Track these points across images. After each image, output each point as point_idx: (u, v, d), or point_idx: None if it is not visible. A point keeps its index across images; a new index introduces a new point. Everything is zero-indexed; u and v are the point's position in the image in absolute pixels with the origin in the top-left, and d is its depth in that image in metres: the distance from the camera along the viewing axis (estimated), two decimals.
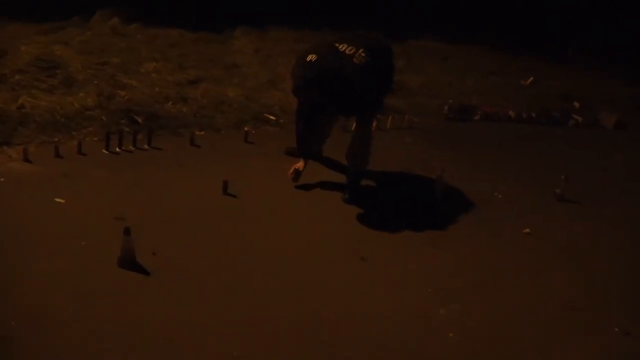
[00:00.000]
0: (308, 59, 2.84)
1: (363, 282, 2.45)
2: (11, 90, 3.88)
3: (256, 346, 1.96)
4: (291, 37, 7.16)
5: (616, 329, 2.30)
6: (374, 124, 4.32)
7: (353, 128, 3.54)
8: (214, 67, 5.41)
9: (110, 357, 1.82)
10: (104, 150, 3.35)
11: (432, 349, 2.09)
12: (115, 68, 4.73)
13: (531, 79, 6.81)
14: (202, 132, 3.89)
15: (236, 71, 5.47)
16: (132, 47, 5.62)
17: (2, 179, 2.86)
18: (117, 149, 3.39)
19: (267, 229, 2.77)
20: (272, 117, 4.36)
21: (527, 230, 3.13)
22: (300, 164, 3.28)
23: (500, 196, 3.56)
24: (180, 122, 3.92)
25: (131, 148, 3.44)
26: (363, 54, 2.90)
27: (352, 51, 2.90)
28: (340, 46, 2.94)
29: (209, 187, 3.06)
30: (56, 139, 3.37)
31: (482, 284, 2.56)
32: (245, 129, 3.92)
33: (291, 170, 3.24)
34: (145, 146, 3.50)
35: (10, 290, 2.06)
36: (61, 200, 2.73)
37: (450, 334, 2.16)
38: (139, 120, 3.75)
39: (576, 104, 6.17)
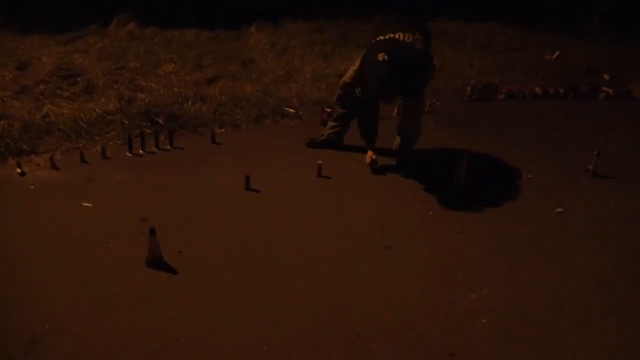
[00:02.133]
0: (380, 58, 2.82)
1: (389, 270, 2.41)
2: (35, 101, 3.97)
3: (285, 339, 1.95)
4: (306, 29, 7.13)
5: None
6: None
7: (395, 113, 3.74)
8: (231, 64, 5.43)
9: (142, 356, 1.84)
10: (127, 153, 3.39)
11: (464, 335, 2.04)
12: (134, 72, 4.78)
13: (557, 53, 6.59)
14: (222, 130, 3.91)
15: (253, 67, 5.47)
16: (150, 50, 5.68)
17: (32, 187, 2.93)
18: (140, 151, 3.43)
19: (291, 222, 2.76)
20: (291, 110, 4.34)
21: (560, 209, 3.02)
22: (370, 153, 3.41)
23: (530, 176, 3.45)
24: (200, 120, 3.94)
25: (154, 149, 3.48)
26: (420, 37, 2.94)
27: (411, 38, 2.93)
28: (397, 35, 2.93)
29: (232, 183, 3.06)
30: (81, 145, 3.43)
31: (512, 267, 2.49)
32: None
33: (369, 161, 3.37)
34: (168, 147, 3.53)
35: (42, 293, 2.10)
36: (88, 205, 2.77)
37: (484, 320, 2.11)
38: (160, 121, 3.78)
39: (605, 76, 5.95)
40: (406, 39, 2.92)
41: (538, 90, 5.25)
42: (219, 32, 6.79)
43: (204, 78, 4.85)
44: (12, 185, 2.92)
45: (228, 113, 4.13)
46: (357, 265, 2.43)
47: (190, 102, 4.18)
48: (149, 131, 3.62)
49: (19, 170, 3.04)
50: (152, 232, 2.25)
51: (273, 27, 7.20)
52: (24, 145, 3.30)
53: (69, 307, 2.04)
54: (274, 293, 2.21)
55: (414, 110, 3.28)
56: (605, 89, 5.43)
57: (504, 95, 5.13)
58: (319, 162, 3.25)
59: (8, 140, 3.28)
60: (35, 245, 2.41)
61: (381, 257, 2.50)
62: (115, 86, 4.31)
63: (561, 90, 5.31)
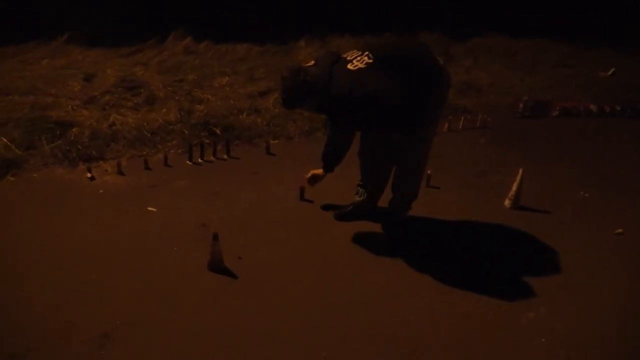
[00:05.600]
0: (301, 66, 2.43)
1: (447, 286, 2.40)
2: (102, 110, 4.22)
3: (343, 347, 1.99)
4: (353, 43, 7.23)
5: None
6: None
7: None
8: None
9: (204, 355, 1.92)
10: (187, 162, 3.55)
11: (522, 354, 2.01)
12: (192, 84, 5.00)
13: (612, 69, 6.41)
14: (276, 141, 4.02)
15: None
16: (205, 64, 5.92)
17: (100, 191, 3.12)
18: (199, 160, 3.58)
19: (346, 233, 2.80)
20: None
21: (620, 230, 2.94)
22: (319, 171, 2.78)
23: (587, 195, 3.37)
24: (255, 132, 4.07)
25: (212, 158, 3.63)
26: (366, 58, 2.34)
27: (354, 56, 2.39)
28: (347, 54, 2.44)
29: (287, 194, 3.15)
30: (144, 153, 3.63)
31: (570, 287, 2.43)
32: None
33: (309, 175, 2.77)
34: (225, 156, 3.67)
35: (112, 291, 2.23)
36: (153, 209, 2.92)
37: (543, 340, 2.08)
38: (217, 132, 3.94)
39: None
40: (348, 57, 2.38)
41: (593, 107, 5.12)
42: (269, 46, 7.00)
43: (257, 91, 5.01)
44: (83, 189, 3.12)
45: (281, 125, 4.25)
46: (412, 279, 2.45)
47: (245, 113, 4.33)
48: (207, 141, 3.79)
49: (89, 174, 3.24)
50: (216, 237, 2.36)
51: (321, 42, 7.35)
52: (93, 152, 3.52)
53: (137, 305, 2.16)
54: (330, 301, 2.25)
55: (403, 155, 2.62)
56: None
57: (557, 112, 5.03)
58: None
59: (79, 147, 3.51)
60: (106, 245, 2.56)
61: (438, 272, 2.51)
62: (175, 97, 4.52)
63: (618, 108, 5.16)
